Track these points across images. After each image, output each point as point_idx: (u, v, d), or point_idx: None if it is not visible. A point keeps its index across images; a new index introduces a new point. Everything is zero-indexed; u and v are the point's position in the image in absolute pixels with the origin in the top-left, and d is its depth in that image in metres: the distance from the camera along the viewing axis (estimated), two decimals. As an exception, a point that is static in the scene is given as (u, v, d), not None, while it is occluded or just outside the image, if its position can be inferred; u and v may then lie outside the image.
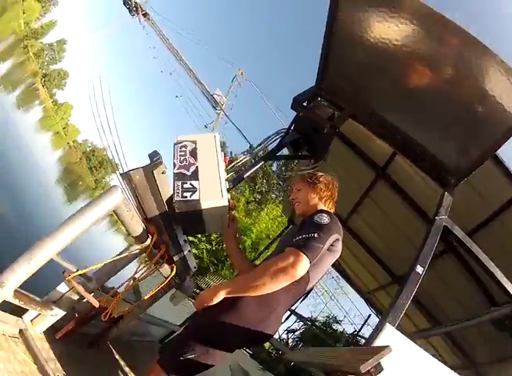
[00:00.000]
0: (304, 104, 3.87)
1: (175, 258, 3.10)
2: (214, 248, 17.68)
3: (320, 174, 2.60)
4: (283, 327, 9.07)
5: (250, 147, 4.25)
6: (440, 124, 2.98)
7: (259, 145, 3.95)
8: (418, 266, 2.43)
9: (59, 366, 2.62)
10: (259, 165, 3.96)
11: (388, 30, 2.70)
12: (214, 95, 28.02)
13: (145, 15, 29.66)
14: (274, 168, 30.19)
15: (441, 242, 2.95)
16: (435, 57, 2.63)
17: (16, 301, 2.25)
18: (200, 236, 17.12)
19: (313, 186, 2.50)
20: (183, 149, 2.52)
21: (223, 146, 28.43)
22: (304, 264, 1.89)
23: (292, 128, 3.97)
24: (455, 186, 2.99)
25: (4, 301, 2.12)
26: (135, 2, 29.26)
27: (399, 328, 2.16)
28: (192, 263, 3.51)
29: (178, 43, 30.63)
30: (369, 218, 5.30)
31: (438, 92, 2.81)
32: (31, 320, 2.64)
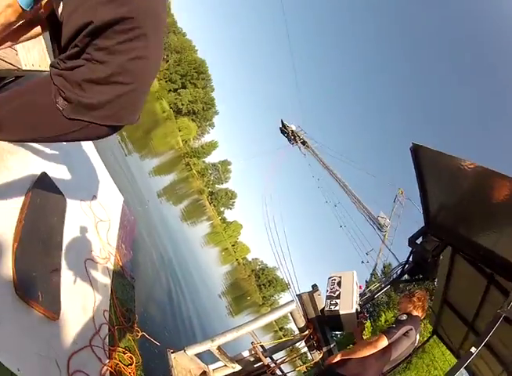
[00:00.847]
0: (418, 241, 5.29)
1: (324, 349, 4.79)
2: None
3: (417, 291, 4.15)
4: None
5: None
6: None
7: (386, 274, 5.59)
8: (473, 348, 3.15)
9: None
10: (385, 289, 5.57)
11: (464, 174, 3.82)
12: (379, 218, 28.62)
13: (303, 143, 31.16)
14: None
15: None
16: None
17: (216, 352, 4.24)
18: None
19: (409, 299, 4.01)
20: (333, 281, 4.63)
21: (390, 267, 28.67)
22: (383, 340, 3.58)
23: (410, 259, 5.43)
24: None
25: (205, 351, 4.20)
26: (292, 131, 31.41)
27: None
28: (337, 355, 5.14)
29: (338, 167, 31.36)
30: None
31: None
32: (213, 369, 4.69)
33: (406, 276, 5.59)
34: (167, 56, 70.22)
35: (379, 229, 28.44)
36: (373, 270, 27.77)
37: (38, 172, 3.45)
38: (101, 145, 7.29)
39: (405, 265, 5.51)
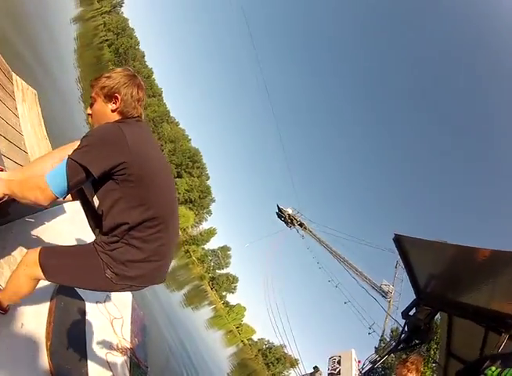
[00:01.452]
0: (412, 312, 5.60)
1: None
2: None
3: (410, 356, 4.41)
4: None
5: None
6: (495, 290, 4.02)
7: (384, 345, 5.87)
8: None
9: None
10: (383, 359, 5.80)
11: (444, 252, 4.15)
12: (382, 286, 28.62)
13: (301, 225, 31.68)
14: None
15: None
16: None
17: None
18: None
19: (403, 365, 4.35)
20: (333, 360, 5.15)
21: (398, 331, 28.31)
22: None
23: (405, 329, 5.70)
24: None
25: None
26: (288, 214, 31.73)
27: None
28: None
29: (336, 244, 32.20)
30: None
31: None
32: None
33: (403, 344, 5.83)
34: (162, 145, 72.39)
35: (383, 296, 28.43)
36: (381, 337, 27.50)
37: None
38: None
39: (401, 335, 5.73)
